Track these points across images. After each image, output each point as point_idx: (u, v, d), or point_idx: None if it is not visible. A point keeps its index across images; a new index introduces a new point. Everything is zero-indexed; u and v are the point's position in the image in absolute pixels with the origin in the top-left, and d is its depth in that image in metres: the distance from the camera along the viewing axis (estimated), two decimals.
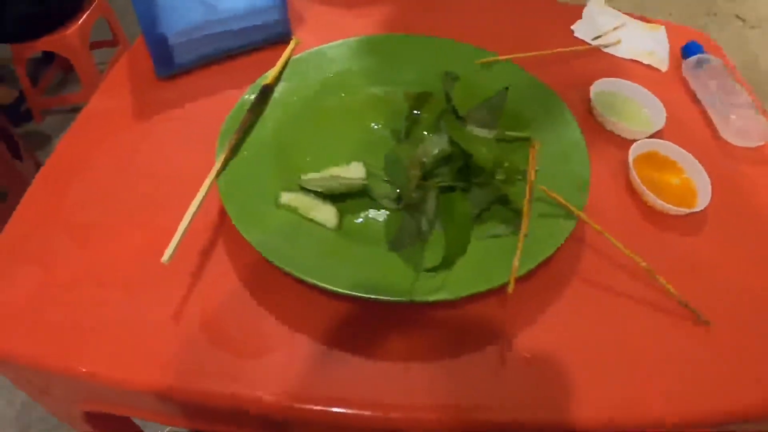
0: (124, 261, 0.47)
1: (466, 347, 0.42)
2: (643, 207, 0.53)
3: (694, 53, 0.68)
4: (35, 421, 1.00)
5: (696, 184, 0.54)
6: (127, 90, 0.63)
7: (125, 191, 0.52)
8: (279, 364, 0.41)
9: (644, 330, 0.44)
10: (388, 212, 0.47)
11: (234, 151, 0.49)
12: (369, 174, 0.48)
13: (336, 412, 0.39)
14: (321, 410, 0.39)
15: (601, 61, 0.70)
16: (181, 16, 0.61)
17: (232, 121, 0.51)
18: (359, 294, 0.39)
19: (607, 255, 0.48)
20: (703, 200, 0.52)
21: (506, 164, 0.47)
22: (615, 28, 0.74)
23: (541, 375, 0.41)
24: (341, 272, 0.41)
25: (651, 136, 0.58)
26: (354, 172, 0.48)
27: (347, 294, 0.40)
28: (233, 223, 0.44)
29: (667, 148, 0.57)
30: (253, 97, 0.53)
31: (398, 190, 0.47)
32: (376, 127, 0.55)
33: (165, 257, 0.41)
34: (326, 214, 0.45)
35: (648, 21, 0.78)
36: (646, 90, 0.63)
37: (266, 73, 0.56)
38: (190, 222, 0.43)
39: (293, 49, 0.61)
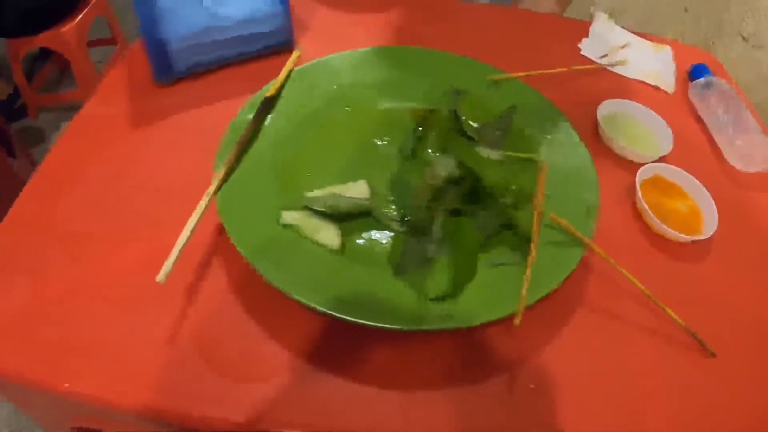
0: (118, 276, 0.45)
1: (469, 375, 0.41)
2: (649, 232, 0.52)
3: (701, 75, 0.68)
4: (29, 420, 0.98)
5: (702, 210, 0.54)
6: (124, 95, 0.61)
7: (120, 202, 0.51)
8: (277, 388, 0.39)
9: (649, 358, 0.44)
10: (390, 233, 0.46)
11: (233, 165, 0.48)
12: (373, 193, 0.47)
13: None
14: None
15: (607, 81, 0.69)
16: (183, 21, 0.60)
17: (232, 134, 0.49)
18: (363, 322, 0.38)
19: (614, 281, 0.47)
20: (709, 227, 0.51)
21: (514, 187, 0.46)
22: (621, 47, 0.73)
23: (547, 403, 0.40)
24: (344, 297, 0.39)
25: (658, 160, 0.58)
26: (357, 190, 0.46)
27: (351, 322, 0.39)
28: (233, 242, 0.42)
29: (673, 173, 0.56)
30: (253, 109, 0.52)
31: (403, 212, 0.46)
32: (380, 143, 0.53)
33: (160, 276, 0.40)
34: (329, 234, 0.43)
35: (653, 40, 0.77)
36: (653, 112, 0.62)
37: (267, 85, 0.55)
38: (186, 241, 0.42)
39: (294, 62, 0.59)
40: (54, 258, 0.47)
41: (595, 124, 0.61)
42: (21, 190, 0.52)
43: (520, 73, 0.60)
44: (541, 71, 0.62)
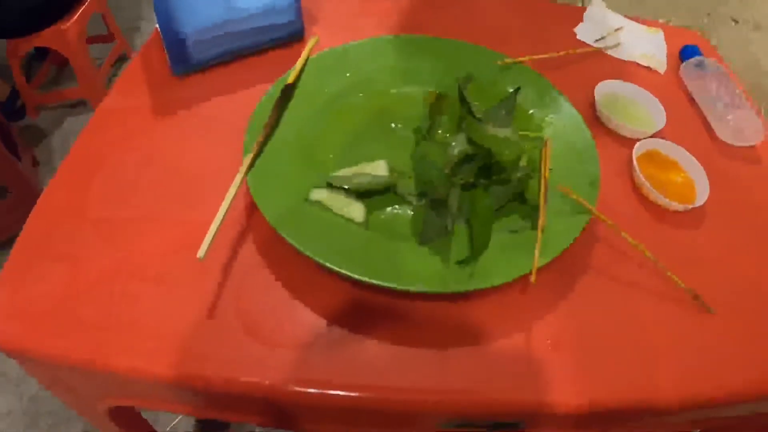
0: (153, 256, 0.48)
1: (493, 333, 0.45)
2: (646, 202, 0.56)
3: (691, 56, 0.72)
4: (43, 414, 1.01)
5: (695, 181, 0.57)
6: (143, 88, 0.63)
7: (149, 187, 0.53)
8: (315, 352, 0.43)
9: (652, 318, 0.47)
10: (410, 208, 0.49)
11: (260, 148, 0.51)
12: (392, 171, 0.50)
13: (371, 398, 0.41)
14: (361, 397, 0.41)
15: (603, 63, 0.73)
16: (199, 14, 0.62)
17: (258, 119, 0.52)
18: (395, 286, 0.41)
19: (617, 248, 0.51)
20: (701, 196, 0.55)
21: (523, 163, 0.49)
22: (616, 31, 0.77)
23: (563, 357, 0.44)
24: (374, 264, 0.43)
25: (652, 136, 0.61)
26: (378, 169, 0.50)
27: (382, 286, 0.42)
28: (267, 219, 0.45)
29: (667, 147, 0.60)
30: (275, 95, 0.55)
31: (422, 187, 0.50)
32: (395, 126, 0.57)
33: (200, 253, 0.42)
34: (355, 210, 0.47)
35: (647, 24, 0.81)
36: (646, 91, 0.66)
37: (287, 72, 0.58)
38: (223, 219, 0.45)
39: (312, 48, 0.62)
40: (89, 243, 0.48)
41: (593, 104, 0.64)
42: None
43: (525, 57, 0.64)
44: (543, 55, 0.66)
